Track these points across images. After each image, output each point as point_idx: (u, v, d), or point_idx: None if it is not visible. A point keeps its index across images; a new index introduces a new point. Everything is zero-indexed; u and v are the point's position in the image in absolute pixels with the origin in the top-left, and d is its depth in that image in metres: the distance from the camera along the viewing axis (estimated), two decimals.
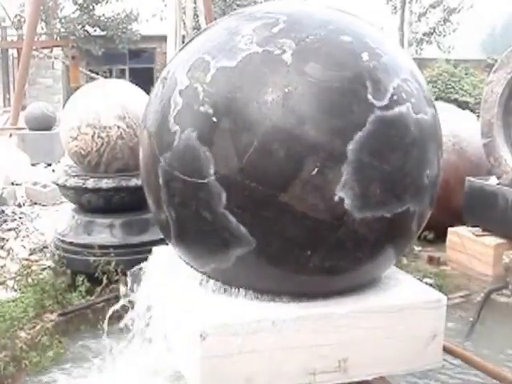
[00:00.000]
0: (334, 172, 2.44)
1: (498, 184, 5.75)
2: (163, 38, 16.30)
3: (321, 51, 2.56)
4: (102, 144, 5.02)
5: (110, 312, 3.49)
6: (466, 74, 21.68)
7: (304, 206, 2.45)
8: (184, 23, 14.90)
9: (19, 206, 8.07)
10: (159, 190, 2.74)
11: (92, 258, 4.84)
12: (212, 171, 2.49)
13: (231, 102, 2.51)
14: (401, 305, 2.84)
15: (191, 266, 2.97)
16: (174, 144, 2.60)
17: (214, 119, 2.50)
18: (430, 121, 2.74)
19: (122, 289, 3.31)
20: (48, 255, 5.66)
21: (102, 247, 4.93)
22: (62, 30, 25.79)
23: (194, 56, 2.72)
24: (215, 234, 2.60)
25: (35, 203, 8.28)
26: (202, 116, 2.53)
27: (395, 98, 2.57)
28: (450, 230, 6.07)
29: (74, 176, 5.19)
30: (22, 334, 4.19)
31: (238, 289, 2.80)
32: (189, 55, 2.77)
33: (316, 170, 2.42)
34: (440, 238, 6.22)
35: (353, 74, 2.55)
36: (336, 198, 2.45)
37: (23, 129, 12.75)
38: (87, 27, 26.09)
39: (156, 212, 2.91)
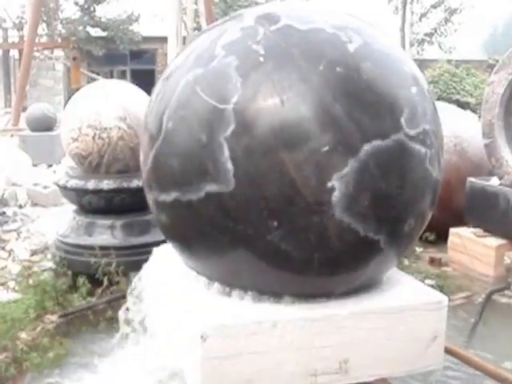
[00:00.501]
0: (341, 159, 2.46)
1: (499, 185, 5.75)
2: (164, 39, 16.30)
3: (381, 61, 2.70)
4: (103, 145, 5.01)
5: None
6: (468, 74, 21.72)
7: (297, 174, 2.46)
8: (185, 24, 14.90)
9: (20, 207, 8.07)
10: (170, 100, 2.74)
11: (93, 259, 4.83)
12: (234, 100, 2.52)
13: (284, 52, 2.58)
14: (402, 306, 2.83)
15: (148, 197, 2.98)
16: (212, 64, 2.64)
17: (261, 59, 2.57)
18: (437, 180, 2.80)
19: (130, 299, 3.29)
20: (49, 256, 5.65)
21: (102, 248, 4.91)
22: (63, 31, 25.86)
23: (268, 10, 2.85)
24: (199, 159, 2.58)
25: (36, 204, 8.28)
26: (252, 52, 2.60)
27: (421, 137, 2.66)
28: (451, 230, 6.07)
29: (74, 177, 5.19)
30: (23, 335, 4.18)
31: (239, 290, 2.79)
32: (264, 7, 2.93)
33: (327, 147, 2.44)
34: (441, 238, 6.22)
35: (397, 94, 2.65)
36: (329, 184, 2.45)
37: (24, 130, 12.75)
38: (88, 28, 26.16)
39: (154, 121, 2.87)
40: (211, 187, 2.55)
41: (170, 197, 2.74)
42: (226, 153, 2.50)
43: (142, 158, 3.00)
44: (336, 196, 2.46)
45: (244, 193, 2.52)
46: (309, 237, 2.54)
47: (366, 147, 2.48)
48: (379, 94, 2.58)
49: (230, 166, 2.50)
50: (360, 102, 2.53)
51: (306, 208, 2.49)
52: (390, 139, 2.53)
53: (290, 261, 2.60)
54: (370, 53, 2.67)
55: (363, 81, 2.56)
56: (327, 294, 2.77)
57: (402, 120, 2.59)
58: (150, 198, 2.97)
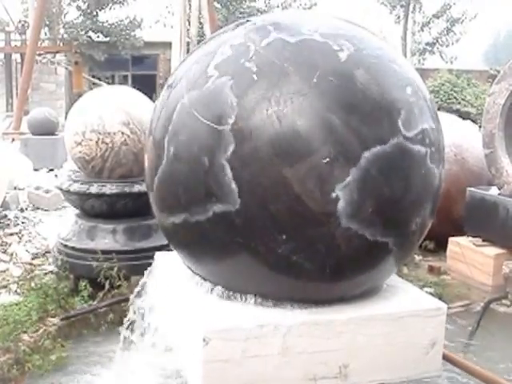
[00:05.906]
0: (342, 169, 2.49)
1: (498, 194, 5.78)
2: (166, 45, 16.36)
3: (372, 66, 2.70)
4: (106, 150, 5.04)
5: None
6: (469, 84, 21.72)
7: (302, 188, 2.50)
8: (188, 31, 14.95)
9: (22, 210, 8.09)
10: (169, 124, 2.77)
11: (95, 263, 4.85)
12: (231, 121, 2.54)
13: (276, 68, 2.59)
14: (401, 312, 2.86)
15: (157, 217, 3.00)
16: (206, 86, 2.66)
17: (255, 77, 2.59)
18: (438, 176, 2.82)
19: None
20: (51, 260, 5.68)
21: (104, 252, 4.94)
22: (66, 35, 25.87)
23: (257, 24, 2.85)
24: (204, 182, 2.62)
25: (37, 208, 8.30)
26: (245, 70, 2.62)
27: (419, 137, 2.69)
28: (450, 239, 6.09)
29: (77, 181, 5.22)
30: (25, 337, 4.21)
31: (241, 294, 2.82)
32: (253, 24, 2.89)
33: (328, 159, 2.47)
34: (441, 247, 6.24)
35: (393, 97, 2.68)
36: (333, 195, 2.49)
37: (26, 134, 12.76)
38: (90, 33, 26.16)
39: (155, 147, 2.89)
40: (218, 208, 2.60)
41: (180, 218, 2.79)
42: (229, 173, 2.54)
43: (147, 179, 3.04)
44: (341, 206, 2.50)
45: (251, 210, 2.56)
46: (318, 248, 2.58)
47: (367, 154, 2.51)
48: (374, 100, 2.60)
49: (234, 186, 2.54)
50: (356, 111, 2.56)
51: (313, 221, 2.53)
52: (388, 144, 2.57)
53: (300, 270, 2.64)
54: (362, 59, 2.69)
55: (357, 88, 2.59)
56: (329, 300, 2.80)
57: (400, 123, 2.62)
58: (159, 219, 3.02)
